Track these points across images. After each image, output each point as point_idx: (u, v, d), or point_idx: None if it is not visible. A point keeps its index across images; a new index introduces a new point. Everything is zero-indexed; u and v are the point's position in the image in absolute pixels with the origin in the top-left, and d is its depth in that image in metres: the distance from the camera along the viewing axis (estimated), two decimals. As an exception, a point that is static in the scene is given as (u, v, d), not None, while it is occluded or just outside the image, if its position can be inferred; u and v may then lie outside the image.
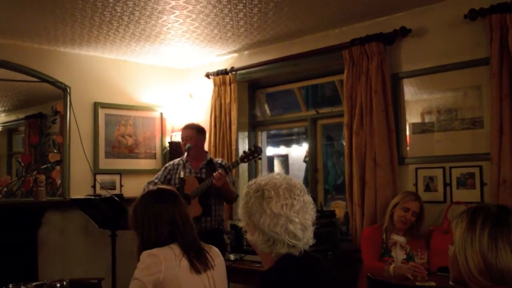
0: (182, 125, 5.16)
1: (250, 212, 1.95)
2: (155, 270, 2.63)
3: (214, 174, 4.65)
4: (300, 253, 1.95)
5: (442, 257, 3.71)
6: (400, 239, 4.08)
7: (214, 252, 2.91)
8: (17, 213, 5.17)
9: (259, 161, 5.90)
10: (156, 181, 5.03)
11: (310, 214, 1.97)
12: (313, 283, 1.94)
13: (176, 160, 5.14)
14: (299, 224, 1.92)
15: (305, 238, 1.95)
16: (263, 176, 2.03)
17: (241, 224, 2.03)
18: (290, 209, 1.91)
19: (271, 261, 1.96)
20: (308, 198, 1.99)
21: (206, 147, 5.91)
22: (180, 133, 5.10)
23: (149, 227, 2.81)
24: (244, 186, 2.07)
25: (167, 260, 2.67)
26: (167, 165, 5.18)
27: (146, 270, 2.65)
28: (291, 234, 1.91)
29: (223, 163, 5.06)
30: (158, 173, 5.13)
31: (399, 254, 4.02)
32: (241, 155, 4.78)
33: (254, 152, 4.70)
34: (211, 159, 5.03)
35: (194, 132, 5.01)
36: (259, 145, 6.07)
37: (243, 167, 5.86)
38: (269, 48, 5.58)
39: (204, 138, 5.17)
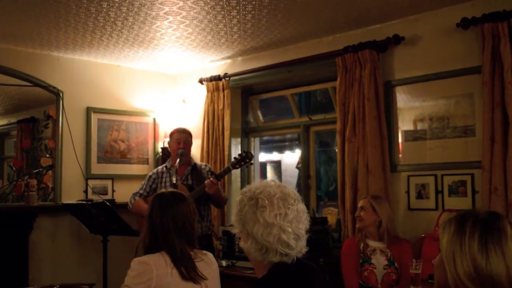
0: (172, 130, 5.13)
1: (244, 220, 1.95)
2: (146, 278, 2.62)
3: (206, 182, 4.63)
4: (292, 261, 1.95)
5: (433, 264, 3.72)
6: (378, 244, 4.06)
7: (208, 260, 2.90)
8: (8, 218, 5.14)
9: (252, 166, 5.90)
10: (141, 192, 4.99)
11: (303, 223, 1.97)
12: None
13: (159, 168, 5.13)
14: (292, 234, 1.92)
15: (298, 247, 1.95)
16: (258, 184, 2.02)
17: (234, 231, 2.03)
18: (284, 219, 1.91)
19: (263, 269, 1.96)
20: (302, 207, 1.99)
21: (199, 153, 5.92)
22: (172, 136, 5.03)
23: (145, 230, 2.83)
24: (236, 192, 2.08)
25: (158, 267, 2.65)
26: (150, 174, 5.13)
27: (137, 278, 2.63)
28: (284, 243, 1.90)
29: (208, 168, 5.06)
30: (143, 183, 5.08)
31: (380, 260, 4.00)
32: (232, 161, 4.77)
33: (246, 158, 4.69)
34: (195, 164, 5.02)
35: (189, 137, 5.02)
36: (252, 151, 6.08)
37: (236, 173, 5.86)
38: (262, 54, 5.59)
39: (192, 143, 5.16)
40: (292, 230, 1.91)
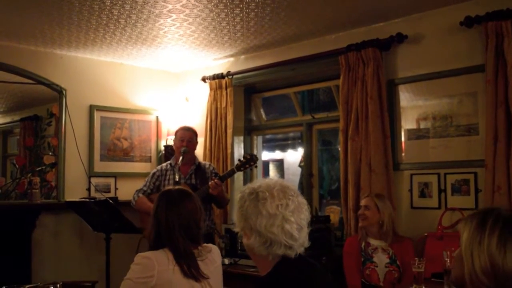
0: (178, 128, 5.14)
1: (246, 215, 1.96)
2: (148, 274, 2.63)
3: (210, 183, 4.65)
4: (296, 257, 1.95)
5: (436, 263, 3.72)
6: (380, 243, 4.06)
7: (211, 258, 2.90)
8: (11, 215, 5.15)
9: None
10: (145, 189, 5.00)
11: (305, 215, 1.99)
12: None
13: (164, 165, 5.12)
14: (295, 224, 1.93)
15: (301, 238, 1.96)
16: (256, 181, 2.05)
17: (237, 229, 2.03)
18: (285, 208, 1.93)
19: (267, 265, 1.96)
20: (302, 199, 2.02)
21: (201, 151, 5.93)
22: (177, 133, 5.06)
23: (150, 227, 2.84)
24: (239, 190, 2.08)
25: (160, 264, 2.67)
26: (154, 171, 5.13)
27: (139, 272, 2.66)
28: (287, 234, 1.92)
29: (212, 168, 5.06)
30: (146, 179, 5.09)
31: (382, 258, 4.00)
32: (237, 164, 4.78)
33: (250, 161, 4.71)
34: (199, 164, 5.02)
35: (194, 135, 5.02)
36: (254, 149, 6.09)
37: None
38: (265, 52, 5.58)
39: (197, 142, 5.16)
40: (295, 220, 1.93)
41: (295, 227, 1.93)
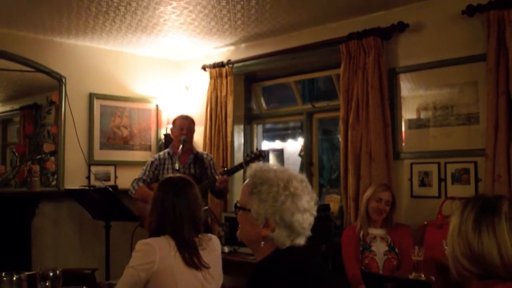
0: (175, 117, 5.11)
1: (280, 210, 1.90)
2: (149, 260, 2.64)
3: (218, 178, 4.65)
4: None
5: (435, 251, 3.72)
6: (379, 231, 4.08)
7: (212, 246, 2.91)
8: (11, 203, 5.15)
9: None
10: (144, 177, 4.92)
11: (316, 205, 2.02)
12: (313, 274, 1.94)
13: (161, 154, 5.05)
14: (314, 216, 1.97)
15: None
16: (274, 169, 1.98)
17: (258, 221, 1.93)
18: (311, 202, 1.95)
19: (267, 252, 1.94)
20: None
21: (201, 140, 5.92)
22: (175, 122, 5.01)
23: (152, 215, 2.84)
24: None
25: (161, 250, 2.67)
26: (152, 159, 5.03)
27: (140, 259, 2.66)
28: (310, 226, 1.95)
29: (210, 158, 5.05)
30: (145, 168, 5.00)
31: (380, 247, 4.02)
32: (245, 159, 4.77)
33: (259, 156, 4.70)
34: (197, 153, 5.00)
35: (192, 124, 4.99)
36: (254, 138, 6.10)
37: (238, 160, 5.85)
38: (266, 41, 5.56)
39: (195, 131, 5.13)
40: (315, 212, 1.96)
41: (313, 219, 1.96)
